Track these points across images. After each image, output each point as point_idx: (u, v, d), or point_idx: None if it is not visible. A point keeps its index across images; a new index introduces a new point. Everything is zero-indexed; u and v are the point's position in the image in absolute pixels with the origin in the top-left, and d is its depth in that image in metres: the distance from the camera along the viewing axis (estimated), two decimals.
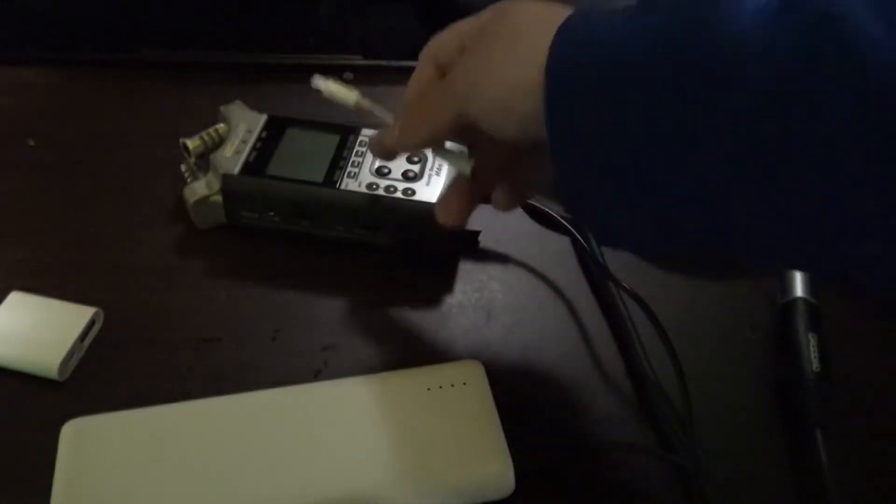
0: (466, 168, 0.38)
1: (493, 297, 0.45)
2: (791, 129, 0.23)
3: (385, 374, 0.38)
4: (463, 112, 0.33)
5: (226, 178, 0.45)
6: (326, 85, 0.39)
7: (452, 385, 0.38)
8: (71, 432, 0.35)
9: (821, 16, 0.23)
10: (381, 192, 0.44)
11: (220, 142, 0.47)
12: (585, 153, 0.29)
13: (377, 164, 0.45)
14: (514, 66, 0.30)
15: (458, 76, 0.33)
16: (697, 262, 0.46)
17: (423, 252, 0.46)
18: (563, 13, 0.30)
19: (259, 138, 0.46)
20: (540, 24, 0.30)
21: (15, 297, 0.41)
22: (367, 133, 0.47)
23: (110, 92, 0.56)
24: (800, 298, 0.42)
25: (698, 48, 0.25)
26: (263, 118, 0.48)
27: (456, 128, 0.34)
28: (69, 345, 0.39)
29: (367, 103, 0.38)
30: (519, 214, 0.49)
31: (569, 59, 0.28)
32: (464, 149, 0.40)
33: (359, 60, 0.58)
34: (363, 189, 0.44)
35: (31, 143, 0.52)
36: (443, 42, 0.36)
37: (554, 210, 0.47)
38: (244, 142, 0.46)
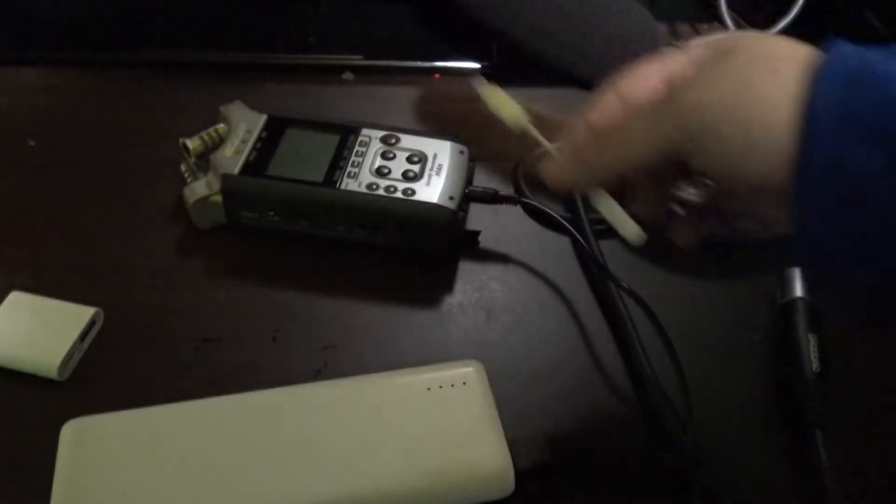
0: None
1: (493, 297, 0.45)
2: None
3: (385, 374, 0.38)
4: (678, 145, 0.28)
5: (226, 178, 0.45)
6: (493, 92, 0.33)
7: (452, 385, 0.38)
8: (71, 432, 0.35)
9: None
10: (381, 192, 0.44)
11: (220, 142, 0.47)
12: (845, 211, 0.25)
13: (377, 163, 0.45)
14: (765, 96, 0.26)
15: (679, 101, 0.28)
16: None
17: (423, 252, 0.45)
18: (806, 47, 0.27)
19: (259, 138, 0.46)
20: (792, 53, 0.27)
21: (15, 297, 0.41)
22: (367, 133, 0.47)
23: (110, 92, 0.56)
24: (800, 298, 0.42)
25: None
26: (263, 118, 0.48)
27: (653, 164, 0.30)
28: (69, 345, 0.39)
29: (530, 127, 0.33)
30: (519, 214, 0.49)
31: (843, 93, 0.25)
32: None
33: (359, 60, 0.58)
34: (363, 189, 0.44)
35: (31, 143, 0.52)
36: (638, 79, 0.32)
37: (554, 210, 0.47)
38: (244, 142, 0.46)
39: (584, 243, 0.46)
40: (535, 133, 0.32)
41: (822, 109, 0.25)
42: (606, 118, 0.32)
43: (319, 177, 0.45)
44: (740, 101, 0.27)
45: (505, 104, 0.33)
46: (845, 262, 0.26)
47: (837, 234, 0.25)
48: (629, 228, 0.32)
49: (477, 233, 0.47)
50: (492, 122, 0.56)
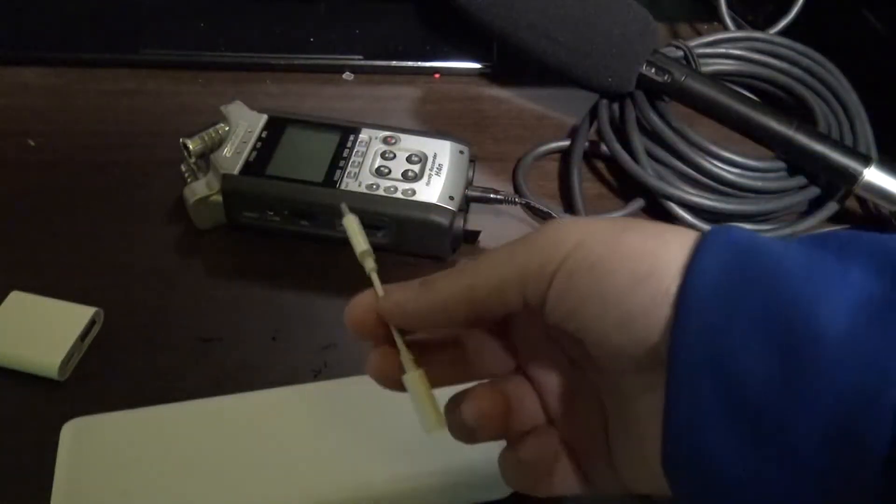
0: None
1: None
2: None
3: None
4: (537, 280, 0.24)
5: (226, 178, 0.45)
6: (349, 221, 0.29)
7: None
8: (71, 432, 0.35)
9: None
10: (381, 192, 0.44)
11: (220, 142, 0.47)
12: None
13: (377, 163, 0.45)
14: (654, 244, 0.23)
15: (548, 230, 0.25)
16: None
17: (423, 252, 0.45)
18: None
19: (259, 138, 0.46)
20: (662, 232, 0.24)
21: (15, 297, 0.41)
22: (367, 133, 0.47)
23: (110, 92, 0.56)
24: None
25: None
26: (263, 118, 0.48)
27: (506, 300, 0.25)
28: (69, 345, 0.39)
29: (370, 263, 0.29)
30: (519, 214, 0.49)
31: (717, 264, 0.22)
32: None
33: (359, 60, 0.58)
34: (363, 189, 0.44)
35: (31, 143, 0.52)
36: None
37: (553, 210, 0.47)
38: (244, 142, 0.46)
39: None
40: (374, 274, 0.28)
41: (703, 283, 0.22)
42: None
43: (319, 177, 0.45)
44: (627, 237, 0.23)
45: (356, 235, 0.29)
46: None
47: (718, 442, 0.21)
48: (428, 415, 0.26)
49: (477, 233, 0.47)
50: (492, 122, 0.56)
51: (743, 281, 0.21)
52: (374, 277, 0.28)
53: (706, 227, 0.48)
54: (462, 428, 0.27)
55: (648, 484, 0.25)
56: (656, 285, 0.22)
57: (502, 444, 0.36)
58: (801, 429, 0.20)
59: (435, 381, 0.27)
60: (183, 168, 0.48)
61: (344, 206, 0.30)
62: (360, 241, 0.29)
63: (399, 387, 0.27)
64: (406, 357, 0.27)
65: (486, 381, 0.28)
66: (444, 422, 0.26)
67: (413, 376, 0.27)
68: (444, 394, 0.28)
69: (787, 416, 0.20)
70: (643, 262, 0.22)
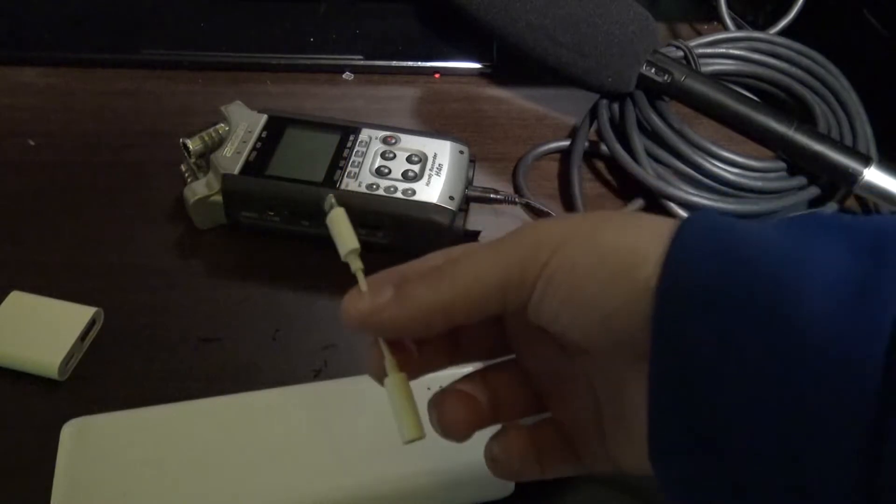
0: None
1: None
2: None
3: None
4: (520, 281, 0.23)
5: (226, 178, 0.45)
6: (338, 213, 0.28)
7: None
8: (71, 432, 0.35)
9: None
10: (381, 192, 0.44)
11: (220, 142, 0.47)
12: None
13: (377, 163, 0.45)
14: (635, 232, 0.23)
15: (529, 230, 0.24)
16: None
17: (423, 252, 0.45)
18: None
19: (259, 138, 0.46)
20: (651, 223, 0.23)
21: (15, 297, 0.41)
22: (367, 133, 0.47)
23: (110, 92, 0.56)
24: None
25: None
26: (263, 118, 0.48)
27: (488, 305, 0.24)
28: (69, 345, 0.39)
29: (357, 263, 0.27)
30: (519, 214, 0.49)
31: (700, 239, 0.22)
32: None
33: (359, 60, 0.58)
34: (363, 189, 0.44)
35: (31, 143, 0.52)
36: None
37: (553, 210, 0.47)
38: (244, 142, 0.46)
39: None
40: (360, 270, 0.27)
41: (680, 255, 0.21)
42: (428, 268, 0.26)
43: (319, 177, 0.45)
44: (605, 234, 0.23)
45: (344, 231, 0.28)
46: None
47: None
48: (406, 424, 0.26)
49: (477, 233, 0.47)
50: (492, 122, 0.56)
51: (722, 267, 0.21)
52: (361, 277, 0.27)
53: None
54: (445, 433, 0.27)
55: (642, 465, 0.25)
56: (635, 281, 0.22)
57: None
58: (789, 407, 0.20)
59: (426, 367, 0.27)
60: (183, 168, 0.48)
61: (331, 199, 0.28)
62: (347, 239, 0.27)
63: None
64: (388, 360, 0.26)
65: (473, 372, 0.29)
66: (422, 431, 0.26)
67: (392, 380, 0.26)
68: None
69: (773, 394, 0.20)
70: (622, 258, 0.22)
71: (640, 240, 0.22)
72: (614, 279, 0.22)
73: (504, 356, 0.29)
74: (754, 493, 0.21)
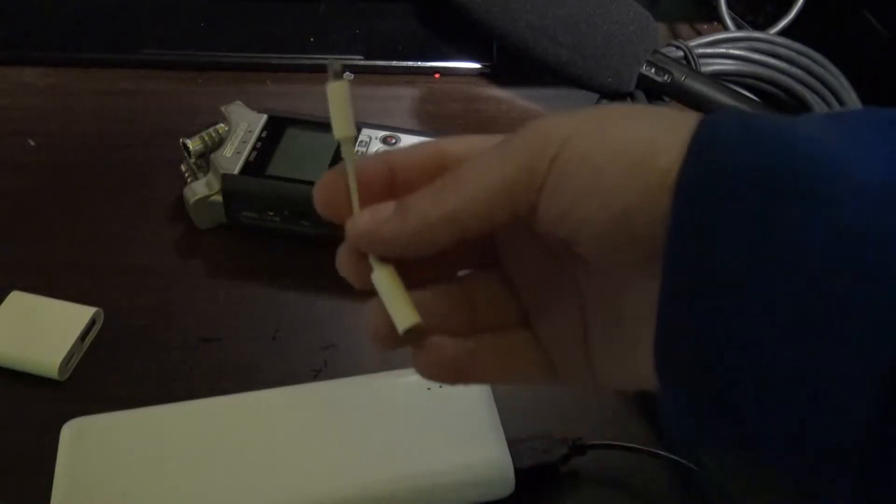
0: None
1: None
2: None
3: (385, 374, 0.38)
4: (529, 184, 0.21)
5: (226, 178, 0.45)
6: (337, 87, 0.24)
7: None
8: (71, 432, 0.35)
9: None
10: None
11: (220, 142, 0.47)
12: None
13: None
14: (652, 125, 0.21)
15: (535, 127, 0.22)
16: None
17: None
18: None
19: (259, 138, 0.46)
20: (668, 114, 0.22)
21: (15, 297, 0.41)
22: (367, 133, 0.47)
23: (110, 92, 0.56)
24: None
25: None
26: (263, 118, 0.48)
27: (496, 215, 0.22)
28: (69, 345, 0.39)
29: (350, 151, 0.25)
30: None
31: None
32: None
33: (359, 60, 0.58)
34: None
35: (31, 143, 0.52)
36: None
37: None
38: (244, 142, 0.46)
39: None
40: (350, 158, 0.24)
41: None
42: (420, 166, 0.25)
43: (319, 177, 0.44)
44: (618, 124, 0.21)
45: (340, 112, 0.25)
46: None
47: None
48: (403, 311, 0.23)
49: None
50: (492, 122, 0.56)
51: (755, 154, 0.18)
52: (350, 167, 0.24)
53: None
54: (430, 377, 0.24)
55: (626, 380, 0.23)
56: (652, 172, 0.20)
57: (501, 444, 0.36)
58: (813, 321, 0.18)
59: (411, 283, 0.24)
60: (183, 168, 0.48)
61: (336, 64, 0.24)
62: (341, 123, 0.24)
63: (370, 285, 0.24)
64: (372, 256, 0.25)
65: (453, 280, 0.27)
66: (419, 317, 0.23)
67: (380, 273, 0.24)
68: None
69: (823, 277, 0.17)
70: (638, 149, 0.20)
71: (657, 130, 0.20)
72: (632, 169, 0.20)
73: (491, 264, 0.27)
74: (755, 418, 0.19)
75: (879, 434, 0.17)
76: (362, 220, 0.24)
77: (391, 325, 0.23)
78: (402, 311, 0.23)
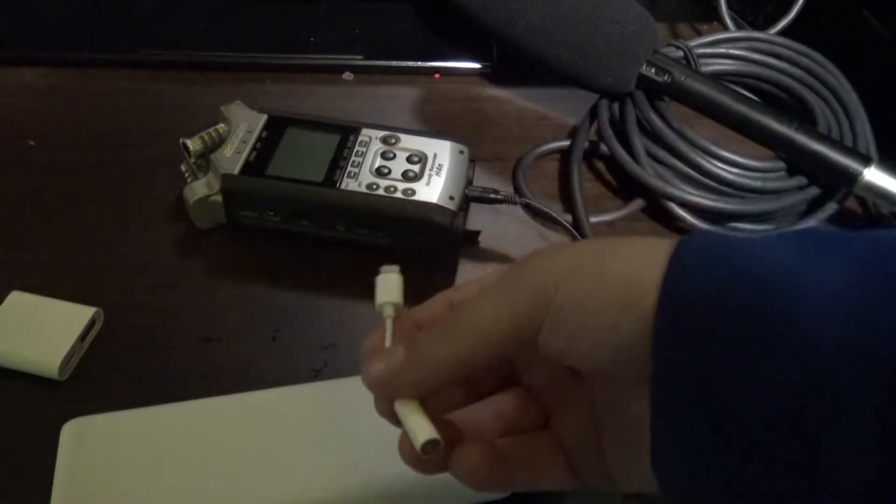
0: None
1: None
2: None
3: None
4: (530, 317, 0.24)
5: (226, 178, 0.45)
6: (392, 280, 0.28)
7: None
8: (71, 432, 0.35)
9: None
10: (381, 192, 0.44)
11: (220, 142, 0.47)
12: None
13: (377, 163, 0.45)
14: (632, 255, 0.23)
15: (531, 264, 0.25)
16: None
17: (423, 252, 0.45)
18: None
19: (259, 138, 0.46)
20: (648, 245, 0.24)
21: (15, 297, 0.41)
22: (367, 133, 0.47)
23: (111, 92, 0.56)
24: None
25: None
26: (263, 118, 0.48)
27: (504, 348, 0.24)
28: (69, 345, 0.39)
29: (391, 315, 0.28)
30: (519, 214, 0.49)
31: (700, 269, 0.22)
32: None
33: (359, 60, 0.58)
34: (363, 189, 0.44)
35: (31, 143, 0.52)
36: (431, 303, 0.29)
37: (554, 210, 0.47)
38: (244, 142, 0.46)
39: None
40: (389, 327, 0.27)
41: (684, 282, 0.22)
42: (434, 315, 0.28)
43: (319, 177, 0.45)
44: (609, 266, 0.23)
45: (395, 292, 0.28)
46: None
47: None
48: (418, 432, 0.25)
49: (477, 233, 0.47)
50: (492, 122, 0.56)
51: (719, 289, 0.21)
52: (389, 328, 0.27)
53: (705, 226, 0.48)
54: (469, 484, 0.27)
55: (639, 483, 0.25)
56: (643, 310, 0.22)
57: None
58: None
59: (442, 411, 0.28)
60: (183, 168, 0.48)
61: (390, 269, 0.29)
62: (391, 293, 0.28)
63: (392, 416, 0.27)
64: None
65: (481, 402, 0.29)
66: (435, 433, 0.25)
67: (400, 402, 0.26)
68: None
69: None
70: (629, 291, 0.22)
71: (644, 269, 0.22)
72: (624, 313, 0.22)
73: (512, 382, 0.29)
74: None
75: None
76: (378, 371, 0.26)
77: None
78: (417, 429, 0.25)
